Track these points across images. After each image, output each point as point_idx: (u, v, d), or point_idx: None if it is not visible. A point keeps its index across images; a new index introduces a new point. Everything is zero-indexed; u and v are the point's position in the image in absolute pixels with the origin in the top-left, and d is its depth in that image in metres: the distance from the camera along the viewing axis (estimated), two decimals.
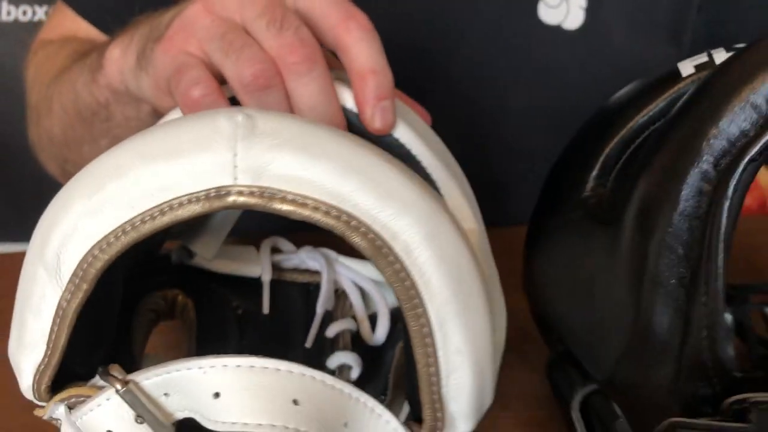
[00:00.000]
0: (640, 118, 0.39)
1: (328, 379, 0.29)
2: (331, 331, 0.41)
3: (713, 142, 0.30)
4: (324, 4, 0.36)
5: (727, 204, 0.30)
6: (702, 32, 0.68)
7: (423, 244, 0.28)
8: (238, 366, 0.28)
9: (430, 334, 0.30)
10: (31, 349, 0.29)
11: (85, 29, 0.63)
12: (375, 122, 0.34)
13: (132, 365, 0.36)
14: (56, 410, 0.30)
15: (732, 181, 0.30)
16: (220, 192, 0.26)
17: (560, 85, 0.66)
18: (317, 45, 0.35)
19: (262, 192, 0.27)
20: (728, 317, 0.30)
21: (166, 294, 0.42)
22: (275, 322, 0.43)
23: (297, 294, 0.45)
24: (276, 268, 0.44)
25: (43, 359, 0.29)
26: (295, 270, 0.44)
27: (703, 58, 0.39)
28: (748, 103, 0.30)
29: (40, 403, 0.31)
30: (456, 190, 0.36)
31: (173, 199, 0.26)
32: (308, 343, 0.42)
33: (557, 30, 0.65)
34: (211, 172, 0.27)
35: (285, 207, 0.27)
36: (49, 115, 0.56)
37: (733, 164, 0.30)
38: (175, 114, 0.38)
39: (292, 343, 0.42)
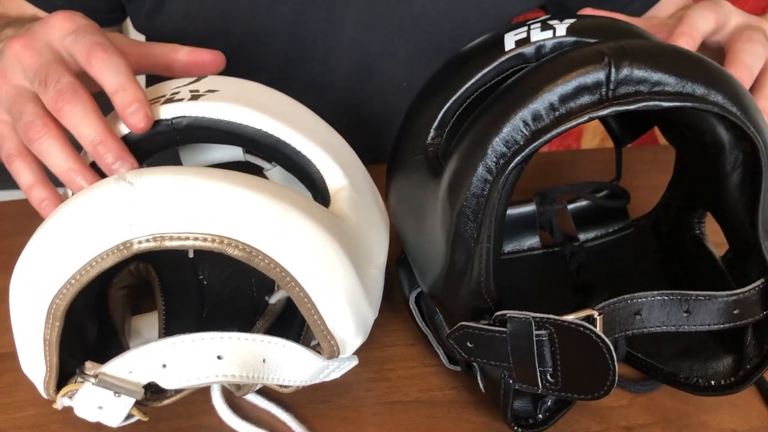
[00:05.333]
0: (469, 82, 0.49)
1: (242, 335, 0.42)
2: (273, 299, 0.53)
3: (496, 146, 0.42)
4: (75, 48, 0.46)
5: (499, 188, 0.42)
6: None
7: (281, 241, 0.39)
8: (173, 344, 0.41)
9: (307, 296, 0.41)
10: (37, 369, 0.41)
11: None
12: (132, 124, 0.45)
13: (114, 338, 0.48)
14: (63, 402, 0.42)
15: (505, 175, 0.41)
16: (126, 245, 0.37)
17: (438, 31, 0.75)
18: (76, 88, 0.45)
19: (155, 237, 0.37)
20: (491, 264, 0.43)
21: (137, 267, 0.54)
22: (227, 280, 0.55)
23: None
24: None
25: (46, 374, 0.41)
26: None
27: (522, 33, 0.49)
28: (521, 120, 0.41)
29: (52, 399, 0.43)
30: (324, 155, 0.47)
31: (97, 256, 0.37)
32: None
33: None
34: (118, 233, 0.37)
35: (174, 243, 0.37)
36: None
37: (507, 163, 0.42)
38: None
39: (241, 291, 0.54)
